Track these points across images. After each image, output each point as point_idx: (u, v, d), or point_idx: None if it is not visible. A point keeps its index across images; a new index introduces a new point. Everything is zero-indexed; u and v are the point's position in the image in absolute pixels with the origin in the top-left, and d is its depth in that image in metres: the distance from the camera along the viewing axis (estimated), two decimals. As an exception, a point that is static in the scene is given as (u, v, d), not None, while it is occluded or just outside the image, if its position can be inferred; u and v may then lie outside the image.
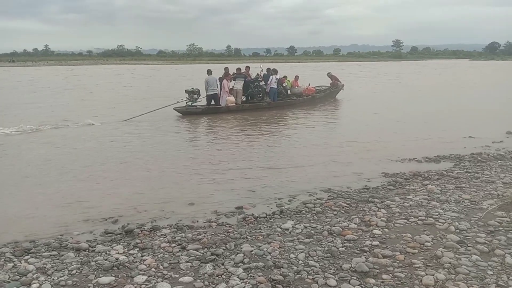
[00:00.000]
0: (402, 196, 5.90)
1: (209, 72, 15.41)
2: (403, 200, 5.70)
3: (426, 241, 4.23)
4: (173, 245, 4.36)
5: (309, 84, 18.66)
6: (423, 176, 7.10)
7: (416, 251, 4.06)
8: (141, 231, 4.83)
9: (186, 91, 15.12)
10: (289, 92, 17.67)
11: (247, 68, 16.99)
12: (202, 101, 15.28)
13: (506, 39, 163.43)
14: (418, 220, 4.87)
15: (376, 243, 4.24)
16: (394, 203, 5.55)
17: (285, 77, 17.79)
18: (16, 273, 3.75)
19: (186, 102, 14.92)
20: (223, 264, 3.86)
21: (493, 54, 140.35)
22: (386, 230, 4.61)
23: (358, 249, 4.13)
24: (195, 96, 15.00)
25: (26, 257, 4.13)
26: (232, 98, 15.38)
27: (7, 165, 8.13)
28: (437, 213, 5.06)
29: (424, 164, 8.11)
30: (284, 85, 17.42)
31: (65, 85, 29.36)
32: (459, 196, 5.77)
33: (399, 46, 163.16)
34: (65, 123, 12.85)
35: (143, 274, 3.68)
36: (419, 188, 6.36)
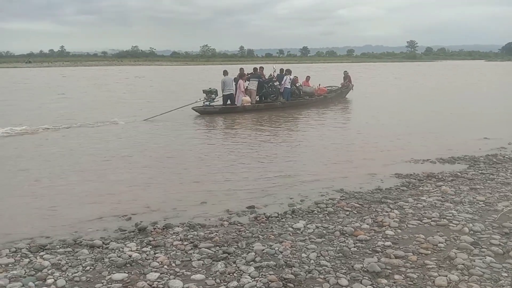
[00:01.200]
0: (415, 197, 5.85)
1: (225, 72, 15.73)
2: (416, 201, 5.65)
3: (440, 242, 4.19)
4: (185, 243, 4.39)
5: (319, 85, 18.95)
6: (437, 177, 7.03)
7: (429, 252, 4.02)
8: (154, 229, 4.87)
9: (204, 91, 15.48)
10: (301, 92, 17.77)
11: (261, 68, 17.30)
12: (219, 101, 15.62)
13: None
14: (432, 221, 4.82)
15: (388, 243, 4.21)
16: (407, 204, 5.51)
17: (296, 77, 17.80)
18: (32, 269, 3.82)
19: (204, 102, 15.24)
20: (234, 262, 3.88)
21: (510, 55, 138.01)
22: (399, 231, 4.58)
23: (370, 249, 4.11)
24: (213, 96, 15.37)
25: (42, 253, 4.21)
26: (247, 98, 15.70)
27: (26, 162, 8.28)
28: (451, 214, 5.00)
29: (438, 165, 8.02)
30: (297, 85, 17.60)
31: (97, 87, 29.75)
32: (473, 198, 5.69)
33: (414, 47, 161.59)
34: (95, 122, 13.19)
35: (155, 271, 3.71)
36: (433, 189, 6.30)
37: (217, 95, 15.55)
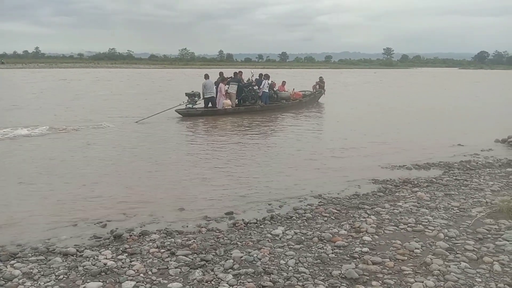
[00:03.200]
0: (392, 203, 5.92)
1: (207, 76, 16.20)
2: (393, 207, 5.72)
3: (416, 248, 4.24)
4: (162, 250, 4.32)
5: (293, 89, 19.71)
6: (412, 183, 7.14)
7: (406, 258, 4.06)
8: (130, 236, 4.78)
9: (187, 94, 16.01)
10: (278, 96, 18.44)
11: (240, 73, 17.75)
12: (201, 104, 16.17)
13: (495, 49, 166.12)
14: (408, 227, 4.89)
15: (366, 249, 4.24)
16: (384, 209, 5.57)
17: (273, 82, 18.54)
18: (1, 278, 3.68)
19: (186, 105, 15.71)
20: (212, 270, 3.83)
21: (482, 63, 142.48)
22: (376, 236, 4.62)
23: (348, 255, 4.12)
24: (196, 98, 15.90)
25: (12, 262, 4.06)
26: (228, 101, 16.20)
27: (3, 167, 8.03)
28: (427, 220, 5.08)
29: (414, 171, 8.16)
30: (275, 89, 18.33)
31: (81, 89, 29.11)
32: (448, 204, 5.80)
33: (390, 54, 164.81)
34: (85, 124, 13.23)
35: (131, 280, 3.63)
36: (409, 195, 6.39)
37: (199, 98, 16.02)
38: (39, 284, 3.58)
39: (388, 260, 3.99)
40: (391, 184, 7.09)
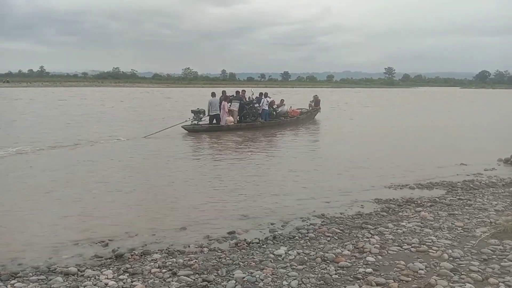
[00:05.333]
0: (395, 223, 5.88)
1: (213, 94, 17.18)
2: (396, 226, 5.68)
3: (420, 269, 4.20)
4: (163, 270, 4.28)
5: (290, 107, 20.79)
6: (416, 202, 7.10)
7: (410, 278, 4.02)
8: (132, 255, 4.75)
9: (192, 111, 16.96)
10: (277, 113, 19.43)
11: (243, 91, 18.60)
12: (206, 120, 17.07)
13: (496, 68, 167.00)
14: (412, 247, 4.84)
15: (369, 270, 4.20)
16: (387, 229, 5.53)
17: (273, 100, 19.62)
18: (1, 298, 3.66)
19: (192, 121, 16.57)
20: (214, 290, 3.79)
21: (484, 83, 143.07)
22: (380, 257, 4.58)
23: (352, 276, 4.08)
24: (201, 115, 16.87)
25: (13, 281, 4.04)
26: (231, 118, 17.04)
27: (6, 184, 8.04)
28: (430, 241, 5.03)
29: (417, 190, 8.12)
30: (274, 107, 19.44)
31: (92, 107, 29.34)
32: (452, 223, 5.76)
33: (391, 74, 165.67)
34: (99, 139, 13.98)
35: (132, 300, 3.60)
36: (412, 214, 6.35)
37: (204, 115, 16.97)
38: (40, 305, 3.55)
39: (392, 281, 3.95)
40: (394, 204, 7.05)
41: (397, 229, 5.53)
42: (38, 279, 4.10)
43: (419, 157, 11.91)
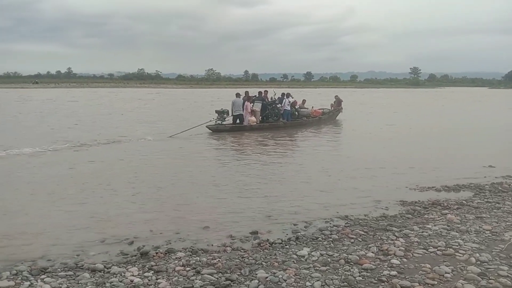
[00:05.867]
0: (420, 225, 5.78)
1: (237, 95, 17.59)
2: (421, 229, 5.59)
3: (446, 273, 4.12)
4: (187, 268, 4.34)
5: (312, 107, 20.88)
6: (442, 205, 6.96)
7: (436, 282, 3.95)
8: (156, 253, 4.82)
9: (216, 111, 17.27)
10: (299, 113, 19.59)
11: (265, 92, 18.86)
12: (229, 120, 17.40)
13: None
14: (438, 250, 4.76)
15: (394, 273, 4.15)
16: (412, 232, 5.45)
17: (295, 100, 19.71)
18: (32, 293, 3.77)
19: (216, 121, 16.86)
20: (237, 290, 3.81)
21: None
22: (405, 260, 4.51)
23: (376, 278, 4.04)
24: (224, 115, 17.15)
25: (43, 276, 4.17)
26: (253, 118, 17.33)
27: (35, 181, 8.30)
28: (457, 244, 4.93)
29: (443, 192, 7.96)
30: (296, 107, 19.59)
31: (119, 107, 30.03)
32: (479, 227, 5.62)
33: (417, 74, 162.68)
34: (127, 138, 14.54)
35: (157, 298, 3.66)
36: (438, 217, 6.23)
37: (228, 115, 17.28)
38: (68, 300, 3.64)
39: (418, 284, 3.89)
40: (419, 206, 6.93)
41: (422, 232, 5.44)
42: (66, 275, 4.21)
43: (444, 158, 11.67)
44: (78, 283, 3.98)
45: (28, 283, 4.00)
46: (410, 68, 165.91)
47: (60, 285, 3.91)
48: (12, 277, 4.15)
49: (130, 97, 46.04)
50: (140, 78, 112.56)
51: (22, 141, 13.17)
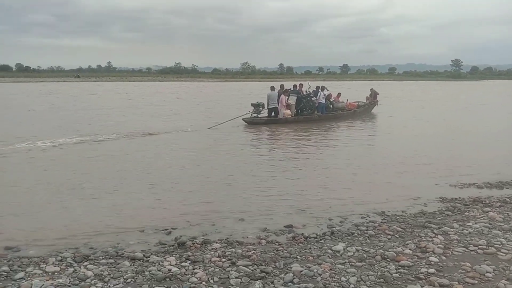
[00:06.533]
0: (461, 223, 5.62)
1: (272, 88, 17.76)
2: (462, 227, 5.43)
3: (487, 272, 3.99)
4: (223, 259, 4.40)
5: (347, 100, 20.79)
6: (483, 202, 6.73)
7: (476, 281, 3.84)
8: (193, 244, 4.92)
9: (252, 104, 17.63)
10: (334, 106, 19.58)
11: (300, 85, 18.87)
12: (264, 113, 17.64)
13: None
14: (478, 249, 4.61)
15: (432, 270, 4.06)
16: (452, 229, 5.30)
17: (330, 94, 19.68)
18: (76, 278, 3.95)
19: (252, 114, 17.22)
20: (272, 282, 3.85)
21: None
22: (443, 257, 4.41)
23: (413, 276, 3.97)
24: (260, 108, 17.47)
25: (85, 263, 4.34)
26: (288, 111, 17.42)
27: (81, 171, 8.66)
28: (500, 243, 4.77)
29: (485, 190, 7.68)
30: (331, 100, 19.60)
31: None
32: (524, 226, 5.40)
33: (459, 66, 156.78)
34: (169, 130, 15.17)
35: (194, 287, 3.74)
36: (480, 215, 6.03)
37: (263, 108, 17.57)
38: (109, 286, 3.79)
39: (457, 283, 3.79)
40: (460, 203, 6.73)
41: (462, 230, 5.29)
42: (108, 262, 4.38)
43: (487, 155, 11.23)
44: (118, 271, 4.12)
45: (72, 269, 4.19)
46: (452, 60, 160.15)
47: (102, 272, 4.07)
48: (57, 263, 4.36)
49: (169, 91, 46.88)
50: (177, 72, 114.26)
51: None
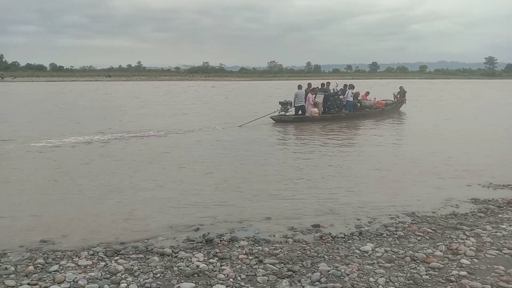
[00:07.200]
0: (494, 225, 5.45)
1: (299, 87, 17.95)
2: (495, 229, 5.27)
3: (522, 276, 3.87)
4: (250, 257, 4.43)
5: (374, 98, 20.61)
6: (518, 204, 6.50)
7: (510, 286, 3.72)
8: (220, 241, 4.97)
9: (280, 103, 17.79)
10: (361, 105, 19.48)
11: (328, 83, 18.96)
12: (292, 111, 17.82)
13: None
14: (513, 252, 4.47)
15: (463, 273, 3.96)
16: (485, 232, 5.15)
17: (358, 92, 19.68)
18: (107, 272, 4.05)
19: (279, 112, 17.44)
20: (299, 281, 3.84)
21: None
22: (476, 260, 4.29)
23: (444, 278, 3.88)
24: (288, 107, 17.62)
25: (116, 258, 4.45)
26: (316, 109, 17.58)
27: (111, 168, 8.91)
28: (536, 247, 4.60)
29: (520, 191, 7.43)
30: (359, 98, 19.51)
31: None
32: (562, 230, 5.19)
33: (493, 64, 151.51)
34: (201, 127, 15.70)
35: (221, 284, 3.79)
36: (515, 217, 5.83)
37: (291, 106, 17.72)
38: (139, 281, 3.87)
39: (490, 286, 3.69)
40: (493, 205, 6.53)
41: (496, 232, 5.14)
42: (138, 257, 4.47)
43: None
44: (148, 266, 4.21)
45: (104, 263, 4.30)
46: (485, 58, 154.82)
47: (132, 267, 4.16)
48: (89, 256, 4.48)
49: (197, 90, 47.40)
50: (205, 71, 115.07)
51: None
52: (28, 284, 3.79)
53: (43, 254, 4.57)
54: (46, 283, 3.82)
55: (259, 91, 43.16)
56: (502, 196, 7.06)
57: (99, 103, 27.15)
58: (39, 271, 4.10)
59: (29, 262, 4.30)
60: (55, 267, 4.16)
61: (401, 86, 23.60)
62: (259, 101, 28.55)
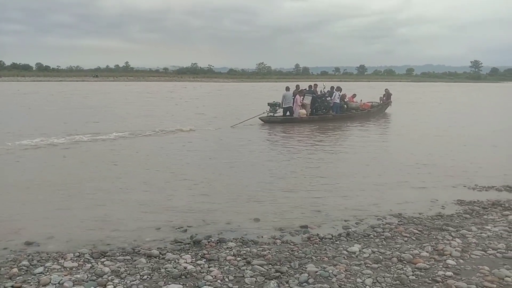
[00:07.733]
0: (479, 226, 5.53)
1: (287, 88, 18.36)
2: (480, 230, 5.35)
3: (507, 276, 3.92)
4: (238, 258, 4.42)
5: (361, 100, 21.19)
6: (503, 205, 6.60)
7: (495, 285, 3.78)
8: (208, 242, 4.96)
9: (269, 104, 18.12)
10: (348, 106, 19.82)
11: (315, 85, 19.34)
12: (280, 112, 18.18)
13: None
14: (497, 252, 4.54)
15: (449, 273, 4.00)
16: (470, 232, 5.22)
17: (344, 94, 19.94)
18: (93, 274, 4.01)
19: (268, 113, 17.74)
20: (287, 282, 3.84)
21: None
22: (461, 261, 4.34)
23: (430, 278, 3.92)
24: (276, 108, 18.00)
25: (103, 259, 4.40)
26: (304, 111, 17.90)
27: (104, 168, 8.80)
28: (519, 247, 4.68)
29: (504, 193, 7.54)
30: (345, 100, 19.90)
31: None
32: (545, 230, 5.28)
33: (478, 67, 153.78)
34: (193, 128, 15.60)
35: (209, 285, 3.77)
36: (499, 218, 5.93)
37: (279, 108, 18.08)
38: (126, 282, 3.84)
39: (475, 286, 3.74)
40: (478, 206, 6.62)
41: (481, 233, 5.21)
42: (124, 259, 4.43)
43: (505, 158, 11.03)
44: (135, 267, 4.17)
45: (90, 265, 4.25)
46: (471, 62, 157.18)
47: (119, 268, 4.12)
48: (75, 258, 4.43)
49: (187, 92, 47.21)
50: (193, 72, 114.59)
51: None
52: (12, 286, 3.74)
53: (28, 256, 4.50)
54: (31, 285, 3.76)
55: (247, 93, 43.14)
56: (487, 197, 7.16)
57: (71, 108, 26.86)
58: (23, 273, 4.04)
59: (13, 264, 4.23)
60: (40, 269, 4.10)
61: (387, 89, 24.08)
62: (248, 102, 28.57)
